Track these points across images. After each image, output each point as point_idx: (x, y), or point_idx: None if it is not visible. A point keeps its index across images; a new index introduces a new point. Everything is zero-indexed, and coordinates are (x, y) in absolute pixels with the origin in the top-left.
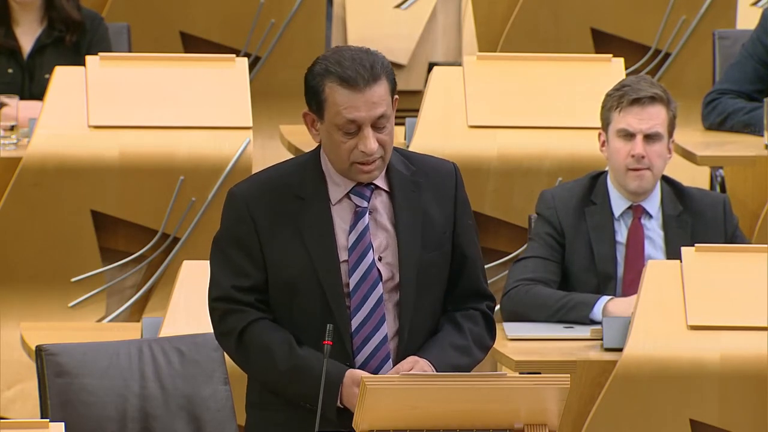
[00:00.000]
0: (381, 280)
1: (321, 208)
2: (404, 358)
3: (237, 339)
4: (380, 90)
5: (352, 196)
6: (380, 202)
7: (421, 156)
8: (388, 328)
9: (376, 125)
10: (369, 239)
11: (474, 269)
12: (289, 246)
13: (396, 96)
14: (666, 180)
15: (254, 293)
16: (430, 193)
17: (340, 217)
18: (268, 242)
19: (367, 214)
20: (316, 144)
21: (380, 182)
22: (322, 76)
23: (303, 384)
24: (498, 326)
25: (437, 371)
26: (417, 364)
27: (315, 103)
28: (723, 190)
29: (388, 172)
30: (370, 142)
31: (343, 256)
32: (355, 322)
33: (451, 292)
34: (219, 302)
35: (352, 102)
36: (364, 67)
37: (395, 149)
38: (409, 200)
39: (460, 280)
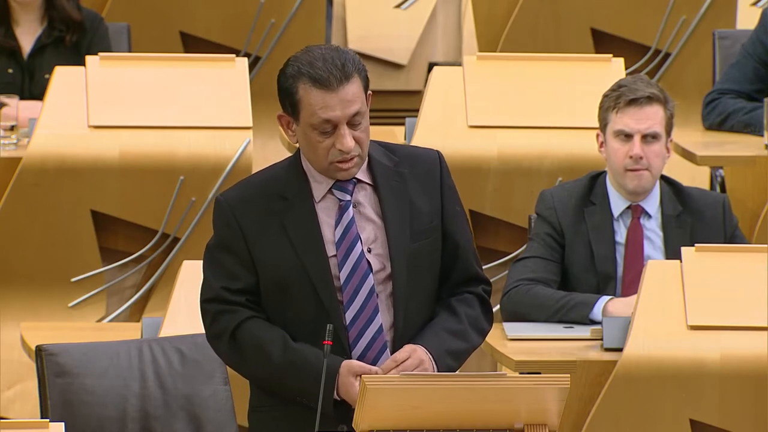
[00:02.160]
0: (371, 271)
1: (305, 206)
2: (401, 348)
3: (230, 338)
4: (353, 88)
5: (335, 191)
6: (364, 196)
7: (403, 147)
8: (383, 319)
9: (352, 122)
10: (356, 232)
11: (466, 255)
12: (277, 246)
13: (369, 92)
14: (665, 180)
15: (245, 294)
16: (415, 182)
17: (325, 213)
18: (256, 245)
19: (351, 207)
20: (295, 145)
21: (363, 176)
22: (295, 77)
23: (299, 378)
24: (498, 326)
25: (433, 357)
26: (415, 353)
27: (289, 105)
28: (723, 190)
29: (370, 166)
30: (347, 139)
31: (331, 250)
32: (348, 315)
33: (445, 279)
34: (210, 303)
35: (326, 102)
36: (336, 66)
37: (377, 142)
38: (394, 191)
39: (454, 267)
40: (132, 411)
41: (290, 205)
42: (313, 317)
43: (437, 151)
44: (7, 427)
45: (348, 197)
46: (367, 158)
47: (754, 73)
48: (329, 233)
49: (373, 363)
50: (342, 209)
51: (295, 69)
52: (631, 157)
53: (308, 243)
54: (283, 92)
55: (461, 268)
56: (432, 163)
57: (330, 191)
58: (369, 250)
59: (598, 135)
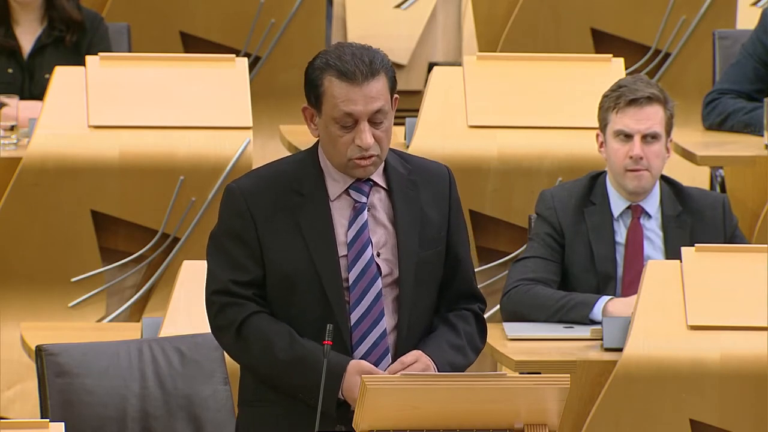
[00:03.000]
0: (380, 275)
1: (320, 204)
2: (402, 353)
3: (236, 331)
4: (378, 85)
5: (351, 192)
6: (378, 200)
7: (416, 157)
8: (387, 322)
9: (373, 120)
10: (368, 235)
11: (467, 271)
12: (288, 241)
13: (396, 96)
14: (665, 180)
15: (252, 287)
16: (426, 192)
17: (339, 213)
18: (267, 237)
19: (366, 210)
20: (315, 139)
21: (379, 180)
22: (322, 69)
23: (305, 374)
24: (498, 326)
25: (437, 368)
26: (422, 357)
27: (313, 97)
28: (723, 190)
29: (386, 171)
30: (366, 136)
31: (342, 251)
32: (354, 317)
33: (444, 292)
34: (217, 295)
35: (350, 95)
36: (363, 62)
37: (391, 149)
38: (407, 198)
39: (453, 280)
40: (132, 411)
41: (305, 202)
42: (319, 316)
43: (446, 166)
44: (7, 427)
45: (364, 199)
46: (384, 161)
47: (754, 73)
48: (341, 233)
49: (375, 365)
50: (357, 211)
51: (324, 61)
52: (631, 157)
53: (320, 241)
54: (309, 84)
55: (461, 283)
56: (442, 177)
57: (346, 191)
58: (378, 254)
59: (597, 135)
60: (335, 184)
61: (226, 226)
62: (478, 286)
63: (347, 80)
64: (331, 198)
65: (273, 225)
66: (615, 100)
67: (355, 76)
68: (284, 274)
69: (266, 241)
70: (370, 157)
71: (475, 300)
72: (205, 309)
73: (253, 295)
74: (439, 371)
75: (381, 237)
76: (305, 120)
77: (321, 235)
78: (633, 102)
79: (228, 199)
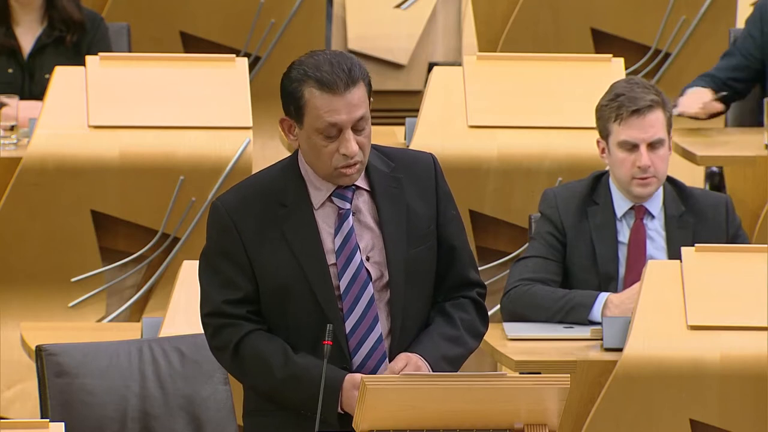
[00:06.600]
0: (371, 280)
1: (304, 214)
2: (397, 355)
3: (232, 352)
4: (359, 93)
5: (334, 199)
6: (362, 202)
7: (398, 150)
8: (382, 327)
9: (356, 128)
10: (355, 240)
11: (462, 259)
12: (277, 253)
13: (371, 98)
14: (669, 180)
15: (245, 305)
16: (411, 187)
17: (324, 221)
18: (255, 251)
19: (351, 215)
20: (295, 149)
21: (361, 182)
22: (300, 81)
23: (301, 391)
24: (498, 326)
25: (429, 364)
26: (410, 360)
27: (294, 109)
28: (718, 188)
29: (367, 172)
30: (352, 144)
31: (330, 259)
32: (349, 324)
33: (440, 283)
34: (211, 317)
35: (333, 106)
36: (343, 71)
37: (372, 146)
38: (391, 197)
39: (449, 271)
40: (132, 411)
41: (289, 212)
42: (314, 325)
43: (431, 154)
44: (7, 427)
45: (348, 205)
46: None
47: (735, 63)
48: (329, 241)
49: (374, 370)
50: (342, 217)
51: (301, 72)
52: (639, 167)
53: (308, 251)
54: (287, 96)
55: (456, 273)
56: (427, 168)
57: (329, 198)
58: (367, 258)
59: (598, 142)
60: (318, 193)
61: (215, 244)
62: None
63: (329, 90)
64: (315, 207)
65: (260, 238)
66: (616, 110)
67: (337, 86)
68: (276, 286)
69: (254, 254)
70: (355, 164)
71: (472, 287)
72: (202, 330)
73: (247, 312)
74: (432, 367)
75: (368, 241)
76: (283, 132)
77: (308, 245)
78: (635, 112)
79: (213, 217)
